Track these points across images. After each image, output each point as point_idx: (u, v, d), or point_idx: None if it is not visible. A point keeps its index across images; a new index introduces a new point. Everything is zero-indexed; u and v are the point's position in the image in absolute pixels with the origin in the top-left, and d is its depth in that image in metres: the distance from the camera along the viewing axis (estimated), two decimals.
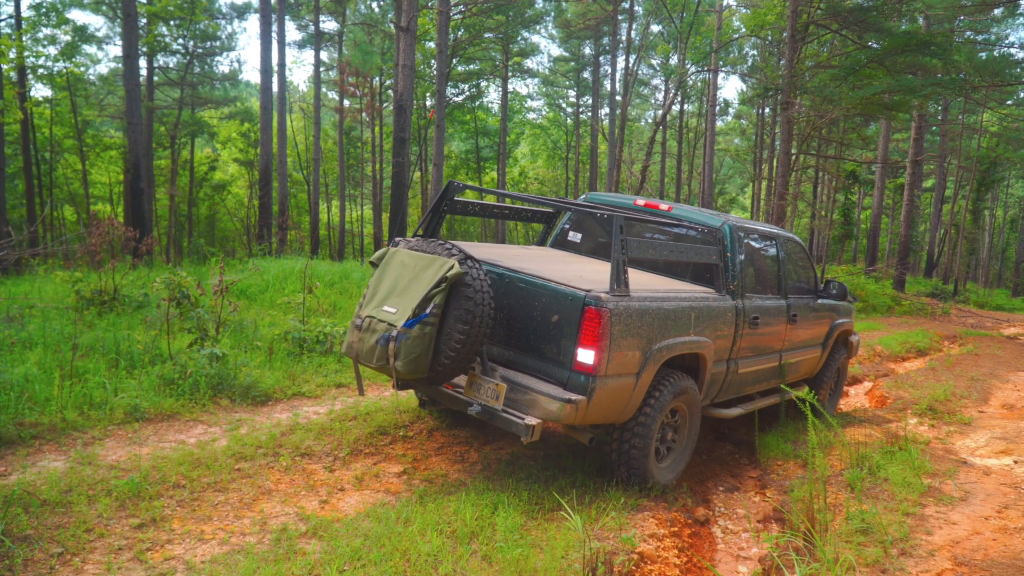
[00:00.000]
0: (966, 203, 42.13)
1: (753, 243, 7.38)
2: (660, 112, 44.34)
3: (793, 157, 23.97)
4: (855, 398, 11.26)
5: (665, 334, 5.66)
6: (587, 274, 5.95)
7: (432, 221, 6.60)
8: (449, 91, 39.99)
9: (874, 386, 11.68)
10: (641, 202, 7.51)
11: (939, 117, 39.87)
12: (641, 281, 6.15)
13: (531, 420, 5.07)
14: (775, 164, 33.98)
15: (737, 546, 5.77)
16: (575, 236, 7.90)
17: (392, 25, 33.95)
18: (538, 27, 43.74)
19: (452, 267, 5.04)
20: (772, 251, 7.75)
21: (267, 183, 25.05)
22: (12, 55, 15.28)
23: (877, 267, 32.80)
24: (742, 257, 6.90)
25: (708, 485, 6.96)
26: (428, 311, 4.99)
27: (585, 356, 5.12)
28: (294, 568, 4.05)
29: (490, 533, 4.75)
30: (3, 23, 26.20)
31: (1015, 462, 7.15)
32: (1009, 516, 5.65)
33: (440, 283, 5.02)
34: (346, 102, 39.20)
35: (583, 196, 8.00)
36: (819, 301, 8.50)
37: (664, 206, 7.33)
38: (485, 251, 6.37)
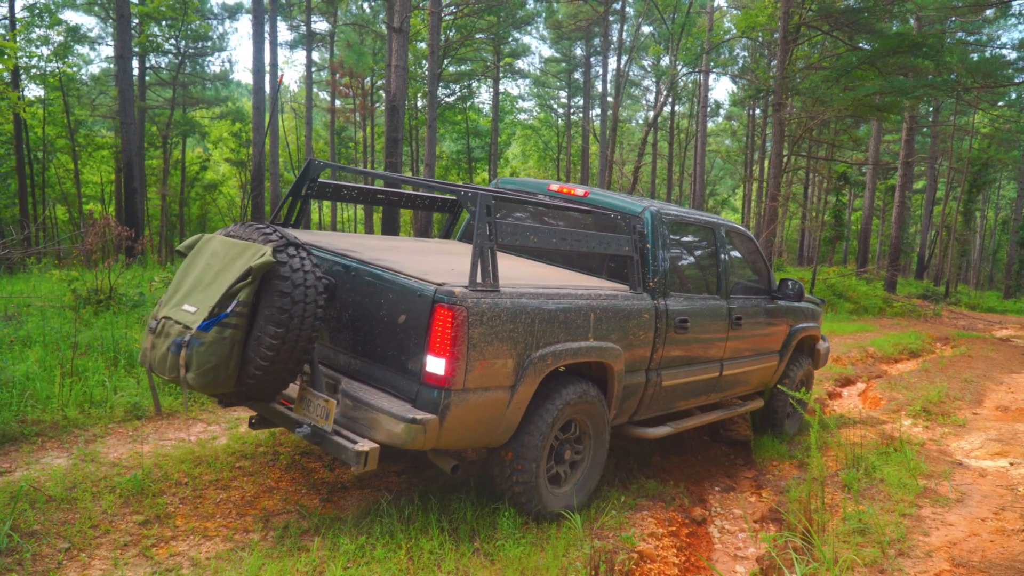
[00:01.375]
0: (957, 205, 42.36)
1: (684, 234, 6.50)
2: (651, 113, 44.51)
3: (784, 158, 24.10)
4: (848, 400, 11.33)
5: (551, 339, 4.73)
6: (462, 267, 4.83)
7: (290, 207, 5.76)
8: (440, 91, 40.01)
9: (867, 387, 11.77)
10: (555, 187, 6.60)
11: (930, 118, 40.11)
12: (530, 275, 5.38)
13: (364, 445, 4.13)
14: (766, 165, 34.15)
15: (734, 546, 5.82)
16: None
17: (383, 26, 33.95)
18: (529, 28, 43.81)
19: (263, 255, 4.03)
20: (710, 244, 6.77)
21: (259, 183, 25.01)
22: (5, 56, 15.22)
23: (868, 268, 32.99)
24: (667, 249, 5.93)
25: (704, 485, 7.00)
26: (229, 310, 3.99)
27: (435, 366, 4.19)
28: (299, 565, 4.07)
29: (491, 531, 4.78)
30: None
31: (1011, 464, 7.23)
32: (1006, 518, 5.72)
33: (246, 275, 4.00)
34: (337, 102, 39.20)
35: (494, 182, 7.12)
36: (774, 303, 7.54)
37: (580, 191, 6.43)
38: (347, 242, 5.51)
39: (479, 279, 4.37)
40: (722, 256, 6.78)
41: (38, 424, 5.67)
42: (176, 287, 4.37)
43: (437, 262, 5.20)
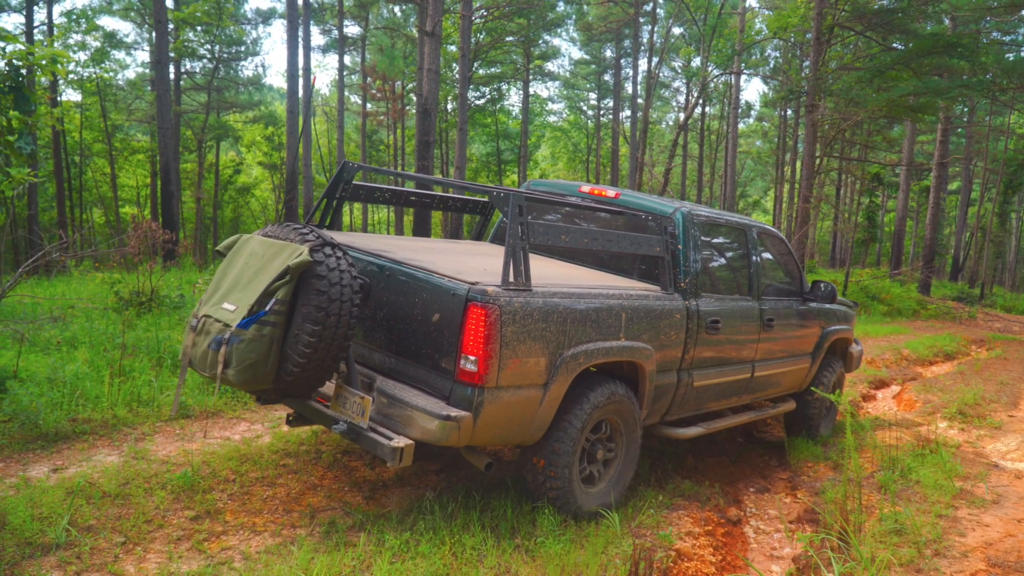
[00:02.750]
0: (992, 206, 41.77)
1: (715, 235, 6.53)
2: (682, 115, 44.41)
3: (817, 160, 23.96)
4: (883, 402, 11.28)
5: (583, 338, 4.80)
6: (494, 267, 4.94)
7: (326, 209, 5.89)
8: (471, 94, 40.18)
9: (902, 390, 11.69)
10: (587, 188, 6.64)
11: (965, 119, 39.62)
12: (561, 275, 5.43)
13: (399, 442, 4.22)
14: (798, 167, 33.91)
15: (769, 546, 5.85)
16: None
17: (414, 29, 34.20)
18: (559, 30, 43.93)
19: (300, 254, 4.13)
20: (741, 245, 6.79)
21: (293, 186, 25.30)
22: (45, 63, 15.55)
23: (902, 270, 32.64)
24: (698, 251, 5.96)
25: (739, 486, 7.03)
26: (268, 308, 4.10)
27: (469, 363, 4.28)
28: (346, 559, 4.18)
29: (530, 529, 4.86)
30: (36, 30, 26.64)
31: None
32: None
33: (284, 274, 4.11)
34: (369, 106, 39.50)
35: (525, 184, 7.21)
36: (806, 305, 7.55)
37: (611, 192, 6.47)
38: (381, 243, 5.59)
39: (511, 278, 4.43)
40: (753, 257, 6.78)
41: (89, 423, 5.86)
42: (216, 286, 4.49)
43: (470, 262, 5.27)
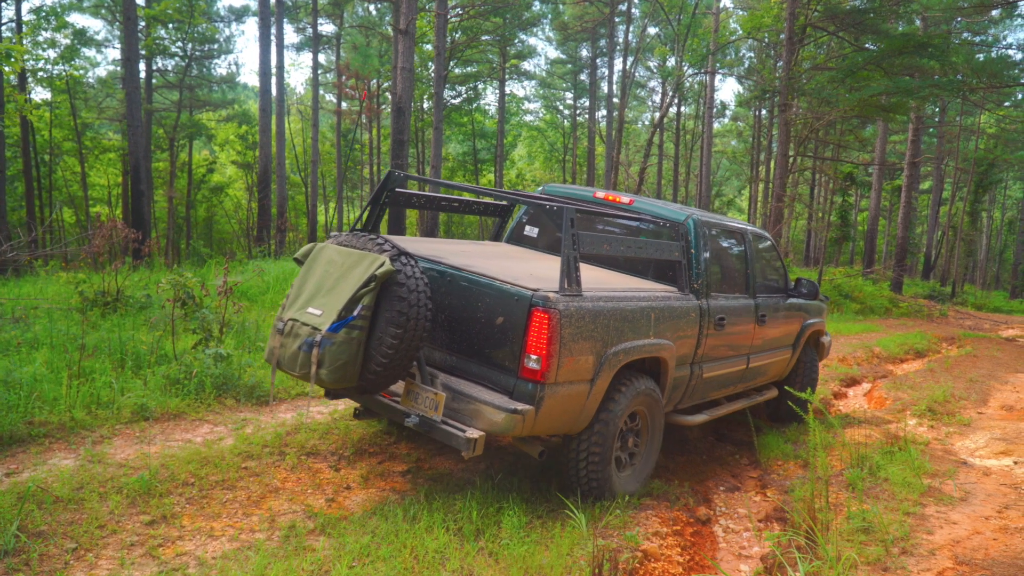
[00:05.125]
0: (964, 205, 42.24)
1: (719, 239, 7.01)
2: (657, 114, 44.49)
3: (790, 159, 24.09)
4: (854, 399, 11.32)
5: (622, 337, 5.28)
6: (539, 271, 5.55)
7: (372, 214, 6.21)
8: (447, 93, 40.08)
9: (873, 387, 11.75)
10: (601, 194, 7.11)
11: (936, 119, 40.03)
12: (596, 279, 5.79)
13: (473, 433, 4.68)
14: (772, 166, 34.10)
15: (739, 545, 5.82)
16: (531, 231, 7.51)
17: (390, 28, 34.04)
18: (535, 29, 43.90)
19: (382, 264, 4.58)
20: (740, 248, 7.36)
21: (266, 185, 25.12)
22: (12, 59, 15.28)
23: (874, 269, 32.89)
24: (707, 254, 6.51)
25: (709, 485, 7.00)
26: (356, 313, 4.55)
27: (532, 362, 4.74)
28: (304, 564, 4.10)
29: (495, 531, 4.81)
30: (4, 27, 26.24)
31: (1015, 463, 7.22)
32: (1010, 516, 5.72)
33: (369, 282, 4.56)
34: (344, 104, 39.26)
35: (540, 188, 7.56)
36: (789, 301, 8.12)
37: (625, 199, 6.93)
38: (428, 247, 5.99)
39: (567, 284, 4.90)
40: (750, 258, 7.37)
41: (45, 425, 5.71)
42: (298, 291, 4.93)
43: (515, 267, 5.70)
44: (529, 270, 5.58)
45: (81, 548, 4.13)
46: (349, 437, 6.33)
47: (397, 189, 6.29)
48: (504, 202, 7.62)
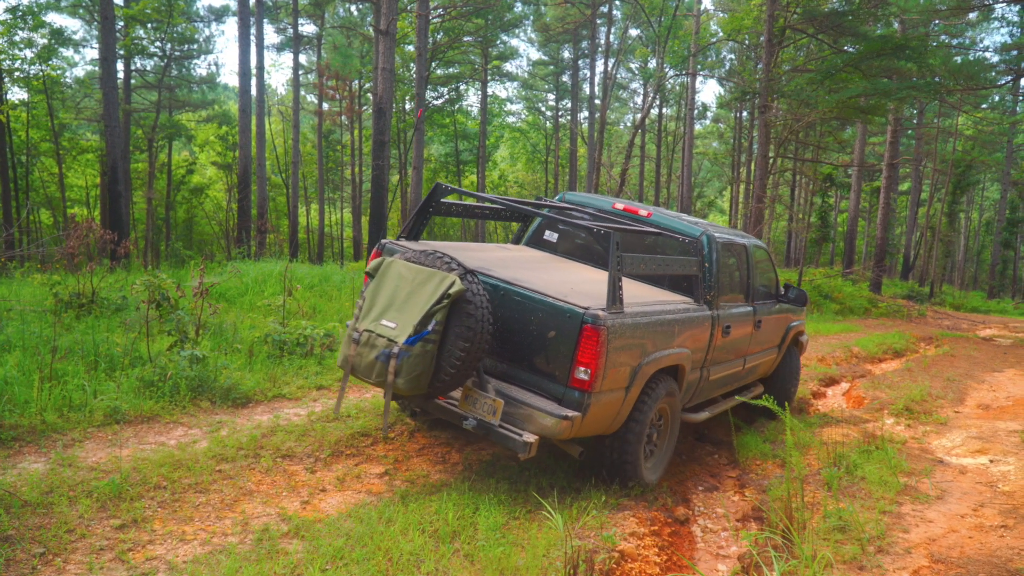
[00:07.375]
0: (942, 206, 42.60)
1: (727, 252, 7.39)
2: (639, 116, 44.58)
3: (771, 160, 24.19)
4: (833, 399, 11.37)
5: (654, 348, 5.73)
6: (579, 285, 6.01)
7: (417, 223, 6.55)
8: (428, 94, 39.98)
9: (851, 387, 11.80)
10: (620, 205, 7.49)
11: (915, 121, 40.33)
12: (626, 291, 6.08)
13: (529, 437, 5.08)
14: (753, 167, 34.25)
15: (716, 545, 5.82)
16: (551, 236, 7.88)
17: (371, 28, 33.91)
18: (517, 31, 43.85)
19: (454, 283, 4.99)
20: (743, 259, 7.79)
21: (246, 186, 24.96)
22: None
23: (854, 269, 33.09)
24: (718, 267, 6.92)
25: (688, 485, 7.00)
26: (430, 328, 4.95)
27: (582, 373, 5.14)
28: (276, 568, 4.05)
29: (472, 532, 4.78)
30: None
31: (991, 461, 7.26)
32: (985, 514, 5.74)
33: (442, 300, 4.96)
34: (325, 105, 39.09)
35: (559, 196, 7.95)
36: (779, 305, 8.64)
37: (643, 211, 7.35)
38: (468, 256, 6.25)
39: (612, 302, 5.26)
40: (749, 269, 7.84)
41: (15, 429, 5.61)
42: (371, 304, 5.29)
43: (553, 279, 6.10)
44: (569, 283, 6.03)
45: (49, 553, 4.06)
46: (326, 439, 6.27)
47: (445, 200, 6.69)
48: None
